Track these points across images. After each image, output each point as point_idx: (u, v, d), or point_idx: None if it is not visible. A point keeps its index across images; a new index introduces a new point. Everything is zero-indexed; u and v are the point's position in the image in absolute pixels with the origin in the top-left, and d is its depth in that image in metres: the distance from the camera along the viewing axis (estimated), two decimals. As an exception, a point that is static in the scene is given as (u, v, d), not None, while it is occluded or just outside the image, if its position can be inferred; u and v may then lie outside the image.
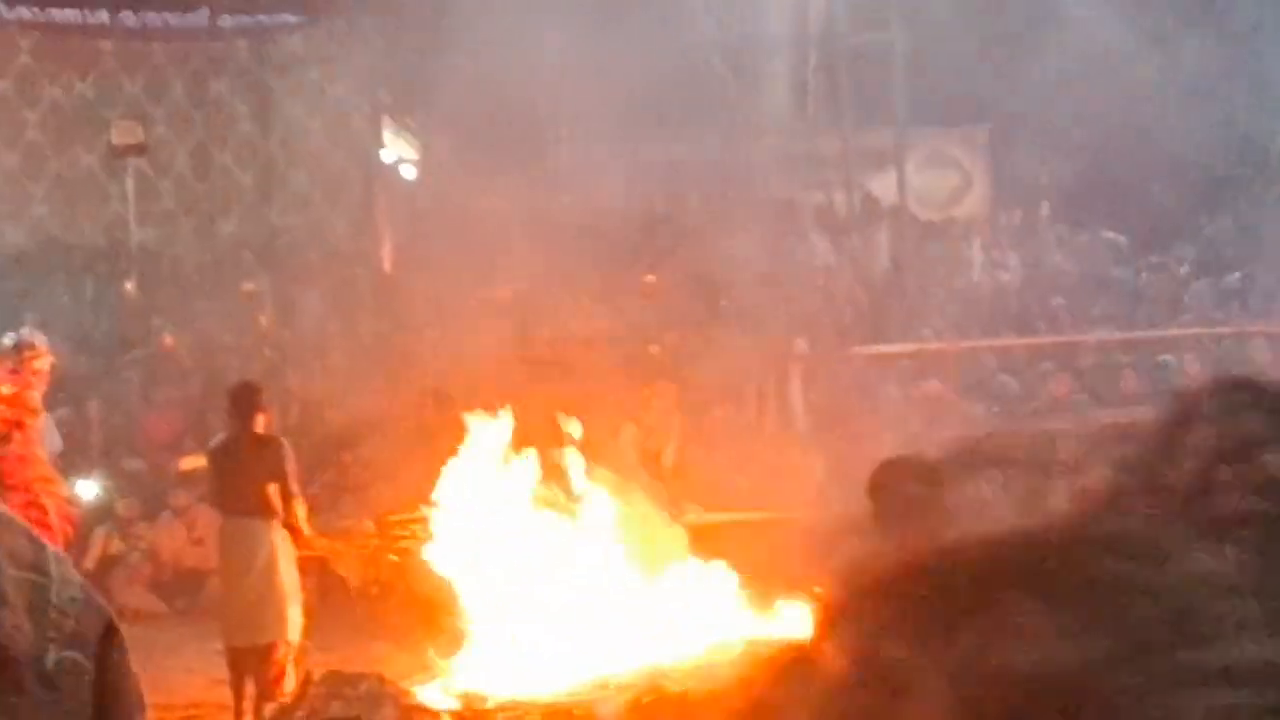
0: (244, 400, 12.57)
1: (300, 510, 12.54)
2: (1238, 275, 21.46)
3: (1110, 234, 23.93)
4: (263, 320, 22.48)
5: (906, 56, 24.93)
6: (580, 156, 25.21)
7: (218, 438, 12.98)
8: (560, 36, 21.81)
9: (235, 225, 25.34)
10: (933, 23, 24.36)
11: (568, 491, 13.40)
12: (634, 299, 20.38)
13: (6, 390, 12.53)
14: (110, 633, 2.08)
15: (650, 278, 20.12)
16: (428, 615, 13.83)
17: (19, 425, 12.56)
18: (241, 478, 12.26)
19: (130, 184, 23.56)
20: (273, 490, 12.21)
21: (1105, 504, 0.72)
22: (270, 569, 12.22)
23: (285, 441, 12.92)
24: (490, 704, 12.17)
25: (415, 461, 18.03)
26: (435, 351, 19.76)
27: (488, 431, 13.44)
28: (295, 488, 12.45)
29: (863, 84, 25.36)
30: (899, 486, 7.29)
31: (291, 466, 12.40)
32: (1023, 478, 0.76)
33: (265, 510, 12.24)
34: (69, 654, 2.01)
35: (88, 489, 17.30)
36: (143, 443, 19.00)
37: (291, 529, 12.46)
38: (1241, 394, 0.73)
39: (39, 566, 2.03)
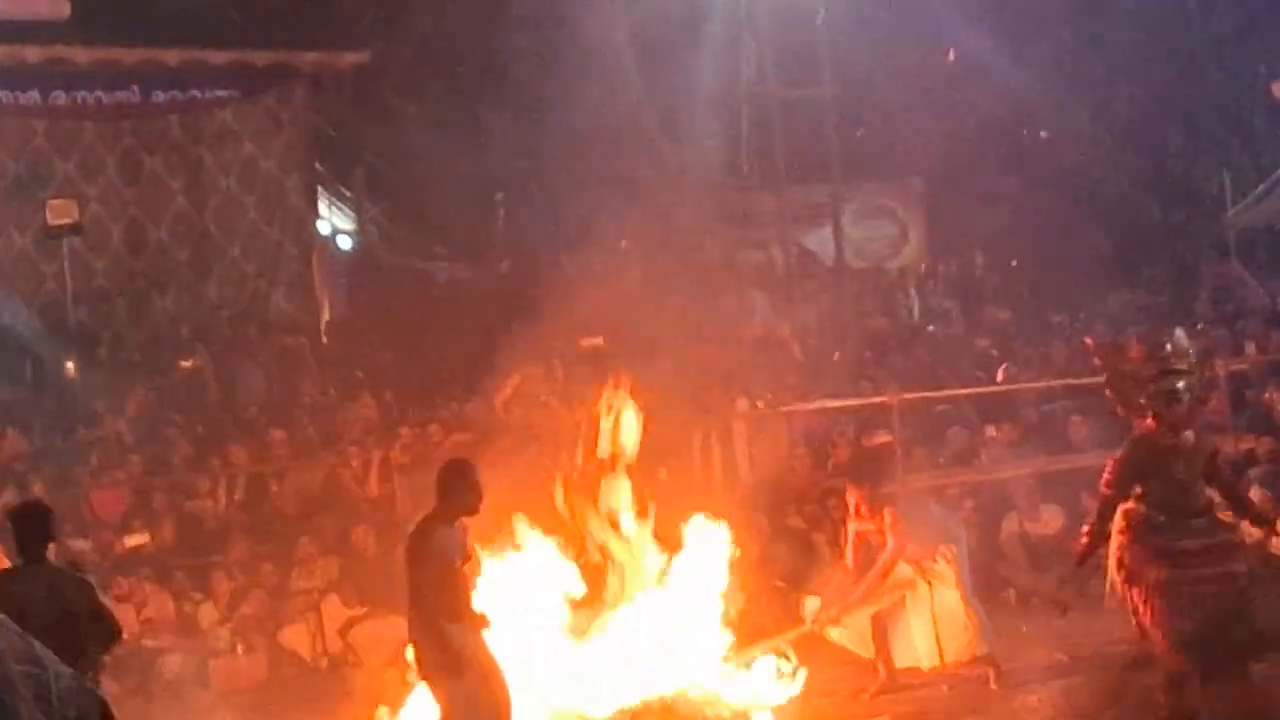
0: (34, 528, 9.80)
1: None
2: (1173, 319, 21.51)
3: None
4: (212, 396, 22.35)
5: (839, 110, 24.99)
6: (515, 221, 25.24)
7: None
8: (493, 100, 21.83)
9: (172, 301, 25.18)
10: (864, 76, 24.48)
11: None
12: (576, 363, 20.32)
13: None
14: (106, 715, 2.10)
15: (595, 340, 20.03)
16: (379, 686, 13.75)
17: None
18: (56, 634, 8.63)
19: (65, 264, 23.43)
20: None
21: None
22: None
23: (90, 577, 10.75)
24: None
25: (364, 532, 18.00)
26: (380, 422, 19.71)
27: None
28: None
29: (796, 139, 25.41)
30: None
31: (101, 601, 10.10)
32: None
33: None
34: None
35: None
36: (89, 523, 18.83)
37: None
38: None
39: (33, 659, 2.04)
